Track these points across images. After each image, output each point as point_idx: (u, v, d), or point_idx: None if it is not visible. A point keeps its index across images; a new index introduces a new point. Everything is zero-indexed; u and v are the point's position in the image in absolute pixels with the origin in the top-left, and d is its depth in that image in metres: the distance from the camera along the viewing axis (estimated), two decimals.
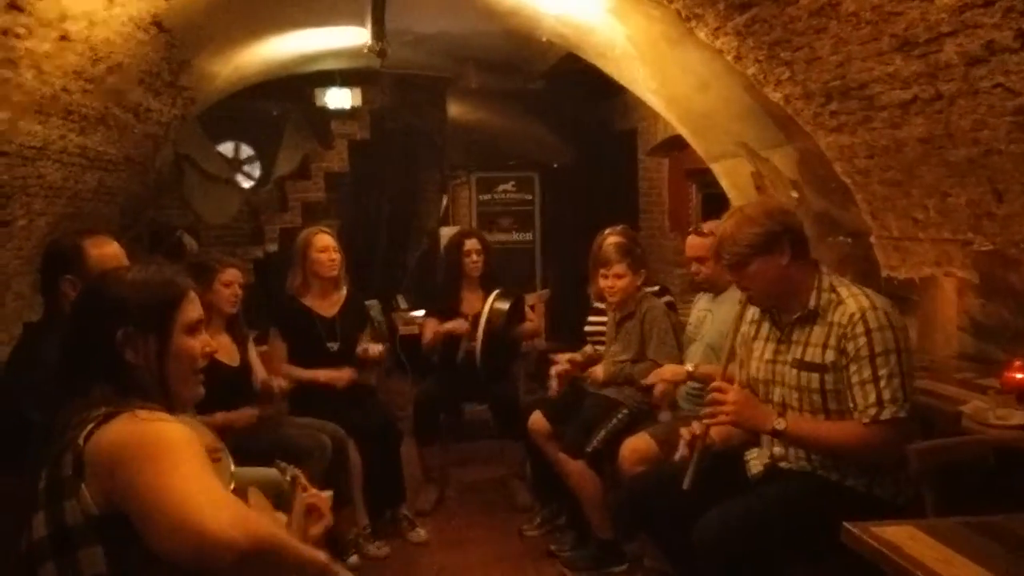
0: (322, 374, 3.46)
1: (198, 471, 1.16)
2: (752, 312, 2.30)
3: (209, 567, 1.10)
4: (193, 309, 1.37)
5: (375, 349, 3.66)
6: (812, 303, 2.11)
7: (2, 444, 2.05)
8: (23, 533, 1.23)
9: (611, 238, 3.23)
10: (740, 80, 3.09)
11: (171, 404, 1.33)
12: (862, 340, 2.00)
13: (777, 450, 2.19)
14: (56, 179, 4.11)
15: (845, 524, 1.59)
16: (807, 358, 2.10)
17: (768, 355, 2.23)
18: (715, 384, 2.14)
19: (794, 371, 2.13)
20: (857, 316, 2.02)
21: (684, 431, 2.26)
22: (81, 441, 1.19)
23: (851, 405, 2.03)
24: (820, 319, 2.10)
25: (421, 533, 3.56)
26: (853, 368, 2.02)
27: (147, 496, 1.12)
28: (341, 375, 3.49)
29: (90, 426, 1.20)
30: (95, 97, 3.78)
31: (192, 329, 1.37)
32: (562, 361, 3.40)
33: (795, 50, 2.54)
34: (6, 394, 2.01)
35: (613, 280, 3.17)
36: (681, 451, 2.24)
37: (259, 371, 3.29)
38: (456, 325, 3.92)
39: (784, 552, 2.03)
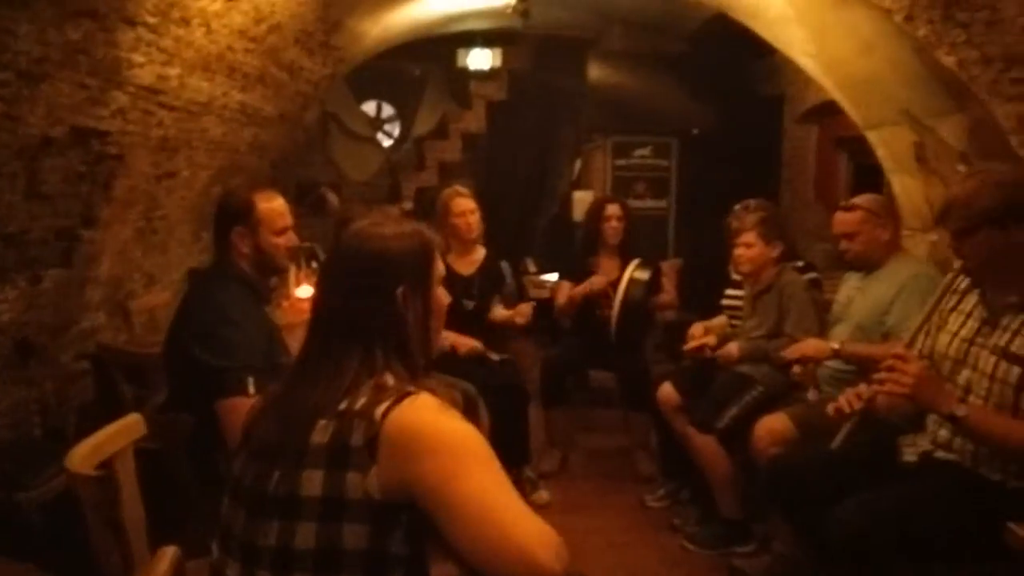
0: (451, 336, 3.41)
1: (510, 488, 1.12)
2: (960, 282, 2.10)
3: None
4: (439, 262, 1.34)
5: (526, 309, 3.66)
6: None
7: (174, 382, 2.23)
8: (269, 475, 1.17)
9: (744, 208, 3.17)
10: (909, 43, 2.87)
11: (427, 359, 1.31)
12: None
13: (943, 433, 2.04)
14: (217, 134, 4.37)
15: (1010, 525, 1.49)
16: (1013, 348, 1.90)
17: (966, 333, 2.04)
18: (898, 351, 1.95)
19: (993, 358, 1.94)
20: None
21: (849, 390, 2.09)
22: (378, 416, 1.13)
23: None
24: None
25: (544, 495, 3.59)
26: None
27: (463, 503, 1.09)
28: (467, 341, 3.48)
29: (386, 404, 1.14)
30: (255, 56, 3.96)
31: (439, 282, 1.34)
32: (698, 335, 3.33)
33: (975, 11, 2.31)
34: (179, 335, 2.14)
35: (743, 249, 3.10)
36: (839, 404, 2.08)
37: None
38: (592, 282, 3.85)
39: (930, 551, 1.91)
